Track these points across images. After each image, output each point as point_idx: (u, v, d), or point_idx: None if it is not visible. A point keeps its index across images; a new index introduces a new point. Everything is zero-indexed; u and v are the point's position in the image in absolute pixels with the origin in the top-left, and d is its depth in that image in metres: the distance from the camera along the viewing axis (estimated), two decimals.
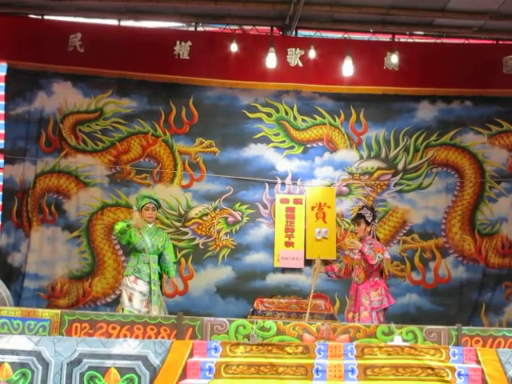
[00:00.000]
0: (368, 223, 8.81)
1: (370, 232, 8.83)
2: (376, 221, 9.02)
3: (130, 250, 8.74)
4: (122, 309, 8.51)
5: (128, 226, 8.47)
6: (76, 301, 11.11)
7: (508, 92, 11.48)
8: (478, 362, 6.05)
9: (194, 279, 11.25)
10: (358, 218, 8.90)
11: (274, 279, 11.30)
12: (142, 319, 6.73)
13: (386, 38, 11.77)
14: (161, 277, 8.84)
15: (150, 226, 8.84)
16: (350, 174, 11.60)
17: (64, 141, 11.38)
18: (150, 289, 8.57)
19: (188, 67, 11.31)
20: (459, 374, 5.95)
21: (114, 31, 11.51)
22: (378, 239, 9.05)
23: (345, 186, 11.57)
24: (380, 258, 8.48)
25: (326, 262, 9.55)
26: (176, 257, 9.23)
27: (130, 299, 8.48)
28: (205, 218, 11.44)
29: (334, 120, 11.66)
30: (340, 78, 11.24)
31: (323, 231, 11.28)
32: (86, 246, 11.31)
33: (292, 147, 11.63)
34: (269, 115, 11.65)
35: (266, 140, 11.62)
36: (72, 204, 11.35)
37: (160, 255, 8.80)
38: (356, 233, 9.02)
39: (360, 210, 9.13)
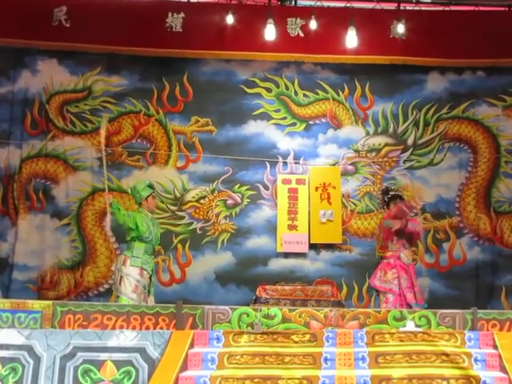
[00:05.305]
0: None
1: None
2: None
3: (133, 238, 8.64)
4: (118, 296, 8.44)
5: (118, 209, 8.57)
6: (67, 292, 11.11)
7: None
8: (496, 347, 6.10)
9: (192, 266, 11.25)
10: (395, 198, 9.04)
11: (276, 265, 11.28)
12: (138, 309, 6.78)
13: (391, 6, 11.71)
14: None
15: (151, 215, 8.90)
16: (356, 151, 11.58)
17: (51, 122, 11.36)
18: (151, 281, 8.65)
19: (181, 40, 11.26)
20: (476, 360, 5.99)
21: (102, 4, 11.38)
22: None
23: (350, 164, 11.55)
24: None
25: None
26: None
27: (135, 291, 8.39)
28: (202, 201, 11.43)
29: (338, 94, 11.64)
30: (344, 49, 11.21)
31: (328, 213, 11.25)
32: (76, 233, 11.30)
33: (294, 124, 11.62)
34: (268, 90, 11.63)
35: (266, 117, 11.59)
36: (61, 190, 11.34)
37: None
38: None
39: (393, 191, 9.26)
